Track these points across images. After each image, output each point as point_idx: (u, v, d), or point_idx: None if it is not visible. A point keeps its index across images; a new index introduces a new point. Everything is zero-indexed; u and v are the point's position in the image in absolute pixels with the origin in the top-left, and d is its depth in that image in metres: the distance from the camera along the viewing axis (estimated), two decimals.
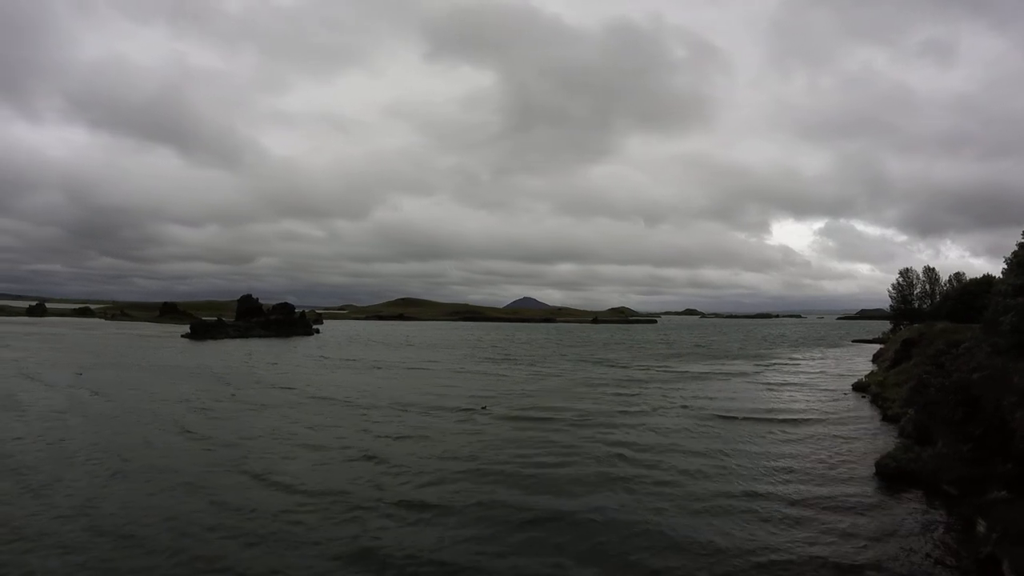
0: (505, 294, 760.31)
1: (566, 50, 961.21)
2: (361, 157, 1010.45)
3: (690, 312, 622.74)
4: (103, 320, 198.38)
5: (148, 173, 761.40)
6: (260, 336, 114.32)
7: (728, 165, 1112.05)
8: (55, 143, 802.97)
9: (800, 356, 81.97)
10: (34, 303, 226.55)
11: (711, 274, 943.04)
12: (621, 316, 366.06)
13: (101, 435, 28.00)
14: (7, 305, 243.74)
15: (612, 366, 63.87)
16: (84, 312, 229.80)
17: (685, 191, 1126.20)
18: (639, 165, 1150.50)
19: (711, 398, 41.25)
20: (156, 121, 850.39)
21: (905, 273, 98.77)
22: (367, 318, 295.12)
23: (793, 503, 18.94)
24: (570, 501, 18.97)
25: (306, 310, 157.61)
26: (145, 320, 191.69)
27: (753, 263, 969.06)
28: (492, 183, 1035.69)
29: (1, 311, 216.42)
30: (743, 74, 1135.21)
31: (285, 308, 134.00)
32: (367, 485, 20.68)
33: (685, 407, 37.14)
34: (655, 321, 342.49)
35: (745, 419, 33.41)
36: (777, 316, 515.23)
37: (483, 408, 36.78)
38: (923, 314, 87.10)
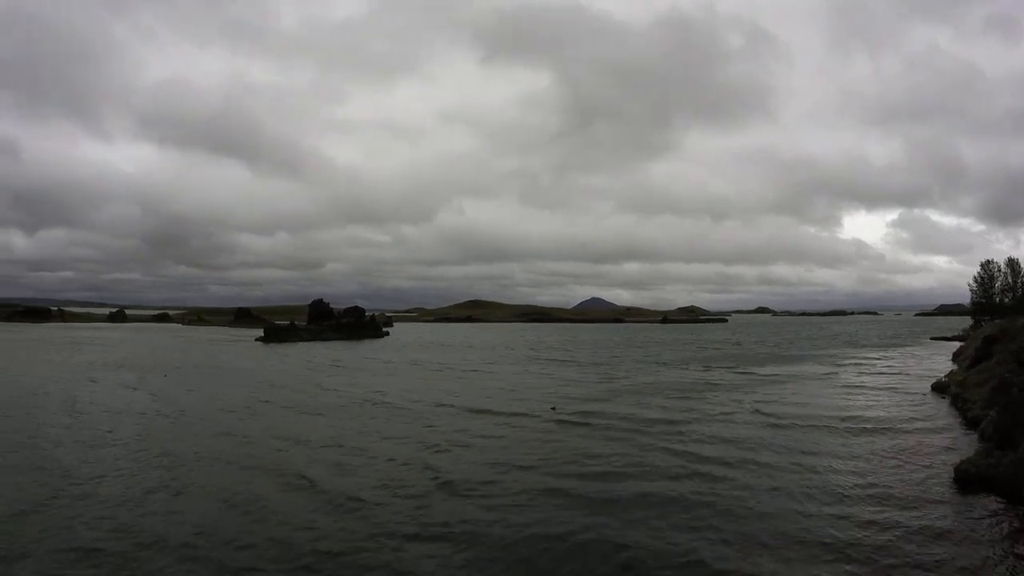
0: (572, 295, 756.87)
1: (618, 45, 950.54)
2: (422, 162, 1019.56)
3: (762, 311, 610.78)
4: (181, 325, 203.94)
5: (217, 185, 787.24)
6: (331, 339, 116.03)
7: (793, 157, 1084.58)
8: (127, 160, 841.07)
9: (876, 356, 78.41)
10: (115, 310, 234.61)
11: (782, 271, 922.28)
12: (691, 315, 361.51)
13: (170, 434, 28.93)
14: (90, 312, 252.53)
15: (680, 368, 62.27)
16: (162, 318, 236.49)
17: (750, 185, 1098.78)
18: (701, 160, 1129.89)
19: (783, 402, 39.05)
20: (222, 135, 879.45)
21: (986, 266, 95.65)
22: (436, 320, 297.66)
23: (871, 522, 17.23)
24: (631, 521, 17.58)
25: (376, 313, 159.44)
26: (220, 325, 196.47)
27: (825, 258, 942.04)
28: (553, 183, 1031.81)
29: (86, 318, 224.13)
30: (802, 61, 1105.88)
31: (356, 312, 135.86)
32: (416, 495, 19.91)
33: (756, 412, 35.38)
34: (726, 320, 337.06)
35: (820, 425, 31.19)
36: (852, 313, 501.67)
37: (553, 408, 36.53)
38: (1006, 309, 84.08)
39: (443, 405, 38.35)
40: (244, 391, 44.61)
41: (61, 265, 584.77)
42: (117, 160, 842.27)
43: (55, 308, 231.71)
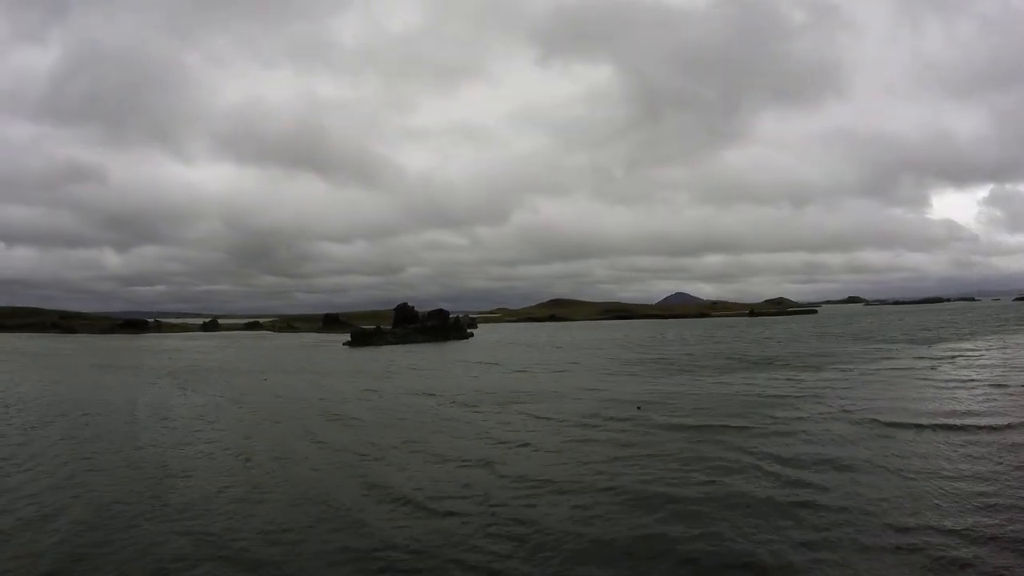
0: (655, 290, 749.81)
1: (676, 31, 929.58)
2: (493, 164, 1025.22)
3: (853, 300, 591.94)
4: (271, 332, 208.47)
5: (296, 197, 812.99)
6: (417, 342, 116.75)
7: (872, 134, 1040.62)
8: (210, 179, 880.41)
9: (975, 346, 72.98)
10: (208, 319, 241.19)
11: (871, 257, 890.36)
12: (779, 307, 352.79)
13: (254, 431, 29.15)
14: (185, 323, 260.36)
15: (767, 364, 58.94)
16: (253, 326, 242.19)
17: (830, 168, 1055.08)
18: (776, 144, 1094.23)
19: (876, 399, 35.59)
20: (296, 150, 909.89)
21: None
22: (519, 320, 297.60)
23: (993, 537, 15.25)
24: (717, 536, 16.02)
25: (460, 315, 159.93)
26: (309, 331, 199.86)
27: (915, 242, 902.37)
28: (626, 177, 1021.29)
29: (181, 328, 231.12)
30: (871, 32, 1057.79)
31: (440, 314, 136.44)
32: (479, 501, 19.13)
33: (846, 412, 32.06)
34: (815, 311, 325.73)
35: (918, 425, 28.01)
36: (947, 300, 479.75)
37: (638, 408, 35.55)
38: None
39: (526, 403, 37.91)
40: (339, 392, 46.02)
41: (154, 279, 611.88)
42: (200, 180, 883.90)
43: (152, 320, 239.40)
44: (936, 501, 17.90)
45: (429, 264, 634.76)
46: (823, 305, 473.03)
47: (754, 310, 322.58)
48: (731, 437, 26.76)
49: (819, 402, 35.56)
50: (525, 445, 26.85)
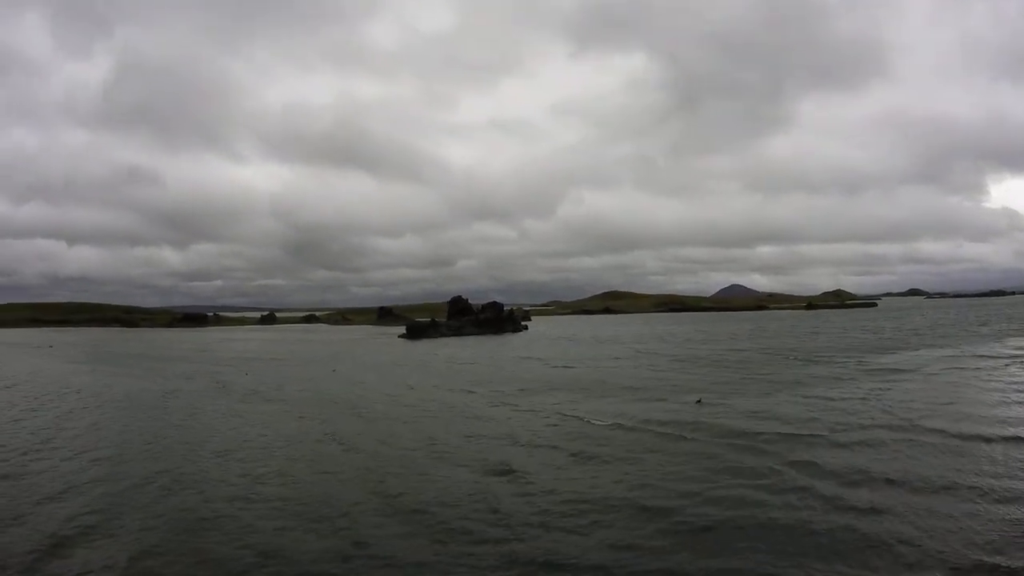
0: (709, 282, 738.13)
1: (709, 13, 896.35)
2: (536, 157, 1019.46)
3: (913, 292, 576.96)
4: (327, 325, 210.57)
5: (345, 194, 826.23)
6: (472, 334, 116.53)
7: (923, 118, 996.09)
8: (261, 178, 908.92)
9: None
10: (266, 313, 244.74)
11: (930, 248, 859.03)
12: (838, 300, 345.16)
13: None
14: (244, 316, 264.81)
15: (822, 362, 55.09)
16: (310, 319, 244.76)
17: (881, 153, 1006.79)
18: (823, 129, 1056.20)
19: (939, 405, 31.88)
20: (342, 149, 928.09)
21: None
22: (573, 313, 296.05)
23: None
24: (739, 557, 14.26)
25: (514, 307, 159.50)
26: (364, 323, 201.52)
27: (974, 231, 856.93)
28: (671, 167, 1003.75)
29: (240, 321, 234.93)
30: (914, 10, 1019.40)
31: (494, 307, 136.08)
32: (488, 512, 17.79)
33: (907, 419, 28.62)
34: (875, 304, 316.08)
35: (986, 438, 25.14)
36: (1011, 293, 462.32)
37: (698, 401, 34.54)
38: None
39: (585, 399, 37.28)
40: (402, 382, 47.30)
41: (212, 275, 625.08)
42: (251, 179, 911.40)
43: (211, 313, 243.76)
44: (1011, 533, 15.33)
45: (478, 257, 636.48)
46: (883, 298, 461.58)
47: (812, 303, 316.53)
48: (779, 446, 24.04)
49: (877, 407, 31.96)
50: (555, 448, 24.99)
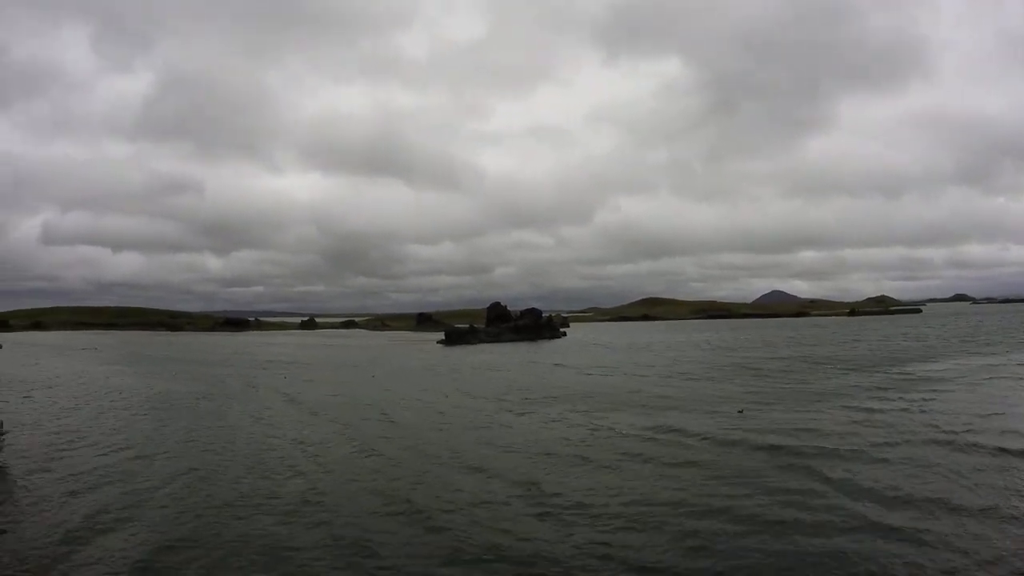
0: (750, 288, 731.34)
1: (740, 14, 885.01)
2: (572, 164, 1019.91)
3: (959, 298, 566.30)
4: (366, 330, 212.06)
5: (381, 202, 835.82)
6: (510, 341, 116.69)
7: (964, 117, 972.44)
8: (299, 187, 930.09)
9: None
10: (306, 318, 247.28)
11: (975, 251, 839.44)
12: (881, 307, 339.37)
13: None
14: (284, 321, 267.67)
15: (868, 372, 52.62)
16: (349, 324, 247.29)
17: (921, 154, 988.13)
18: (861, 131, 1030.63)
19: (987, 416, 30.47)
20: (377, 158, 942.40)
21: None
22: (612, 320, 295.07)
23: None
24: None
25: (552, 314, 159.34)
26: (403, 329, 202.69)
27: (1021, 233, 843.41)
28: (707, 171, 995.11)
29: (280, 326, 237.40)
30: (949, 8, 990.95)
31: (532, 313, 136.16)
32: (510, 525, 17.16)
33: (953, 431, 27.14)
34: (919, 311, 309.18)
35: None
36: None
37: (740, 412, 33.80)
38: None
39: (610, 410, 36.63)
40: (436, 388, 46.91)
41: (253, 281, 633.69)
42: (290, 188, 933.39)
43: (252, 318, 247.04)
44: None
45: (516, 264, 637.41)
46: (927, 304, 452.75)
47: (855, 309, 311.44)
48: (819, 462, 22.63)
49: (921, 420, 30.40)
50: (585, 460, 24.04)
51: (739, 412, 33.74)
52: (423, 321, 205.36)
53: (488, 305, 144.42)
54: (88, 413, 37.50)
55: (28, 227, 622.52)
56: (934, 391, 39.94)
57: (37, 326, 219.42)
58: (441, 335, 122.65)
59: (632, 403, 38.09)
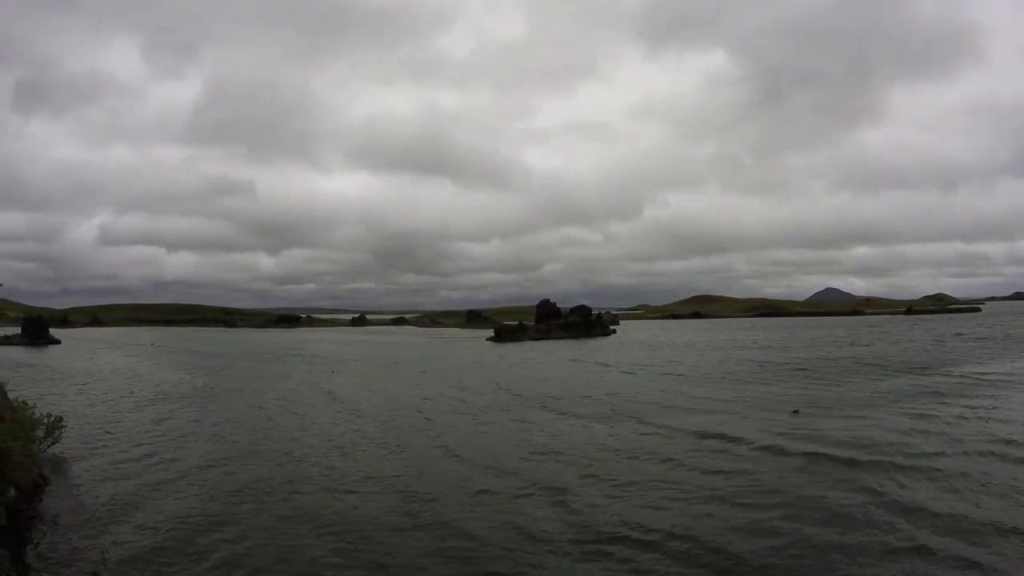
0: (803, 285, 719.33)
1: (785, 1, 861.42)
2: (619, 160, 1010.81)
3: (1020, 296, 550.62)
4: (416, 327, 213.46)
5: (429, 201, 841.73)
6: (559, 338, 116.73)
7: (1019, 104, 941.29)
8: (348, 187, 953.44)
9: None
10: (356, 315, 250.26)
11: None
12: (938, 305, 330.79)
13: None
14: (335, 318, 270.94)
15: (925, 374, 50.54)
16: (399, 321, 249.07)
17: (977, 144, 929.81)
18: (913, 120, 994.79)
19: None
20: (425, 158, 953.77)
21: None
22: (662, 317, 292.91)
23: None
24: None
25: (602, 311, 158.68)
26: (453, 326, 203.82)
27: None
28: (756, 165, 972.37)
29: (331, 323, 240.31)
30: None
31: (582, 310, 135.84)
32: (534, 534, 16.73)
33: (1014, 441, 25.88)
34: (979, 309, 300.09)
35: None
36: None
37: (795, 411, 33.25)
38: None
39: (672, 409, 36.18)
40: (483, 386, 47.51)
41: (304, 279, 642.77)
42: (339, 188, 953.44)
43: (304, 315, 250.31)
44: None
45: (565, 261, 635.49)
46: (986, 302, 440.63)
47: (911, 307, 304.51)
48: (867, 472, 21.39)
49: (980, 428, 28.75)
50: (626, 465, 23.77)
51: (794, 412, 33.27)
52: (473, 318, 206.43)
53: (537, 302, 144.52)
54: (139, 405, 40.01)
55: (86, 229, 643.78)
56: (993, 396, 38.42)
57: (95, 323, 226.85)
58: (491, 332, 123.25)
59: (676, 405, 37.45)
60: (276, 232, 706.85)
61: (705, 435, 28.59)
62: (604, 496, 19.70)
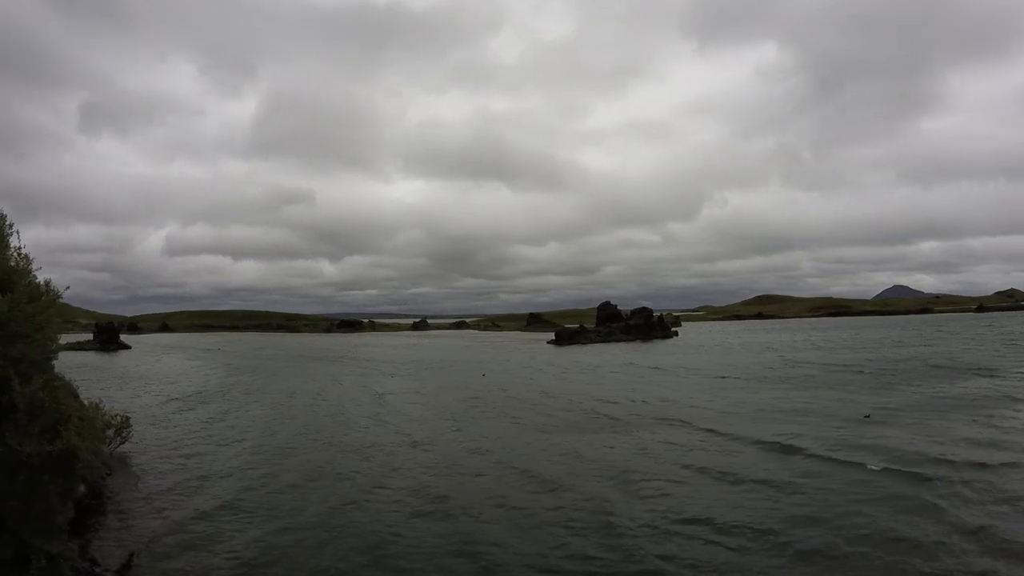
0: (870, 283, 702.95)
1: None
2: (675, 158, 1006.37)
3: None
4: (477, 331, 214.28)
5: (485, 205, 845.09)
6: (620, 341, 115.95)
7: None
8: (405, 193, 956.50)
9: None
10: (418, 319, 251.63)
11: None
12: (1010, 301, 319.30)
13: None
14: (397, 322, 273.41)
15: (999, 376, 47.90)
16: (460, 325, 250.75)
17: None
18: (977, 106, 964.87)
19: None
20: (479, 162, 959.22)
21: None
22: (724, 319, 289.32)
23: None
24: None
25: (663, 313, 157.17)
26: (513, 330, 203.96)
27: None
28: (816, 159, 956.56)
29: (393, 327, 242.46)
30: None
31: (644, 312, 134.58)
32: (598, 531, 16.52)
33: None
34: None
35: None
36: None
37: (866, 416, 31.90)
38: None
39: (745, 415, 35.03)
40: (541, 388, 46.83)
41: (365, 284, 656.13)
42: (397, 194, 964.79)
43: (366, 320, 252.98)
44: None
45: (624, 262, 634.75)
46: None
47: (983, 304, 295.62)
48: (937, 493, 19.12)
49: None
50: (687, 469, 23.48)
51: (865, 417, 32.05)
52: (533, 321, 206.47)
53: (597, 305, 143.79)
54: (202, 407, 41.65)
55: (154, 240, 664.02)
56: None
57: (164, 328, 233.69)
58: (551, 335, 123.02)
59: (735, 411, 35.62)
60: (337, 239, 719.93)
61: (758, 443, 27.09)
62: (650, 514, 18.07)
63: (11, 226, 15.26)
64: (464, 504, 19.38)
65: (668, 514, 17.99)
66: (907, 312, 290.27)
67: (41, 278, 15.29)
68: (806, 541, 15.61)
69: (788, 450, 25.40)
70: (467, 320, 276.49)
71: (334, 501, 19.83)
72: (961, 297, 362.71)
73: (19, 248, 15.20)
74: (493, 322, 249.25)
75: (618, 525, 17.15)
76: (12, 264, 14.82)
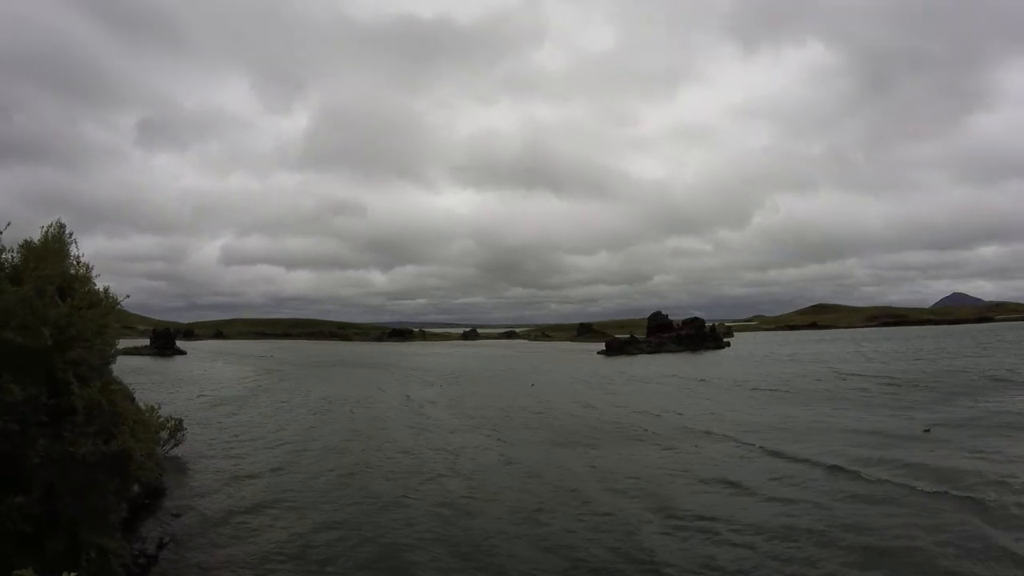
0: (928, 291, 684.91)
1: None
2: (725, 164, 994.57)
3: None
4: (527, 340, 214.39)
5: (535, 215, 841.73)
6: (671, 351, 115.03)
7: None
8: (455, 204, 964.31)
9: None
10: (468, 329, 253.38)
11: None
12: None
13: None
14: (447, 331, 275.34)
15: None
16: (510, 335, 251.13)
17: None
18: None
19: None
20: (528, 172, 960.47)
21: None
22: (777, 329, 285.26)
23: None
24: None
25: (715, 323, 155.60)
26: (564, 339, 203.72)
27: None
28: (868, 161, 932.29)
29: (444, 336, 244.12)
30: None
31: (695, 323, 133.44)
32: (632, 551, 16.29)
33: None
34: None
35: None
36: None
37: (926, 430, 30.72)
38: None
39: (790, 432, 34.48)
40: (588, 401, 46.68)
41: (416, 294, 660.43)
42: (447, 205, 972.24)
43: (416, 329, 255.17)
44: None
45: (675, 271, 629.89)
46: None
47: None
48: (1010, 532, 17.00)
49: None
50: (734, 487, 23.18)
51: (925, 431, 30.86)
52: (584, 332, 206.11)
53: (648, 315, 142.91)
54: (252, 411, 43.08)
55: (210, 250, 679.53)
56: None
57: (219, 336, 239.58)
58: (602, 345, 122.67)
59: (798, 425, 34.61)
60: (388, 249, 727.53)
61: (796, 459, 26.31)
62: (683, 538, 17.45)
63: (71, 235, 15.93)
64: (494, 514, 19.87)
65: (709, 534, 17.67)
66: (967, 321, 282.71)
67: (100, 286, 15.94)
68: None
69: (834, 470, 24.16)
70: (517, 330, 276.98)
71: (368, 505, 20.64)
72: (1022, 304, 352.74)
73: (79, 257, 15.85)
74: (543, 332, 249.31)
75: (653, 549, 16.65)
76: (72, 272, 15.46)
